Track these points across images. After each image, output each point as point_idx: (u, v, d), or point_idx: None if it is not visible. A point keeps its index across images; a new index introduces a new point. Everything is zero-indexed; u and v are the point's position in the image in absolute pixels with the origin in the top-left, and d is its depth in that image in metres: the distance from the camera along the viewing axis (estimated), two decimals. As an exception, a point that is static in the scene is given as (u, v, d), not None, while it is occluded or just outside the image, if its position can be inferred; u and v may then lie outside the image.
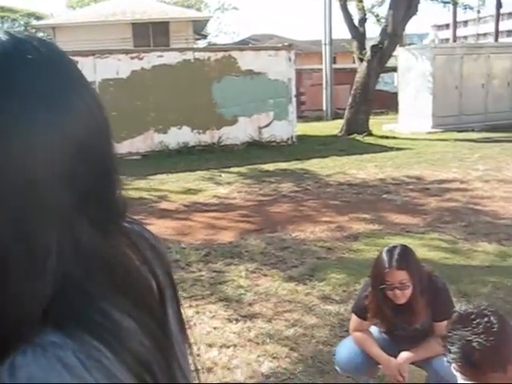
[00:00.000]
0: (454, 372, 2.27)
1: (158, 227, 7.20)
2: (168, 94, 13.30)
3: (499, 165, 10.95)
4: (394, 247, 3.07)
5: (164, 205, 8.57)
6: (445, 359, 2.22)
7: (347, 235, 6.69)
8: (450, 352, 2.17)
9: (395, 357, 3.16)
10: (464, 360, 2.14)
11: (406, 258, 3.02)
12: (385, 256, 3.01)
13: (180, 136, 13.53)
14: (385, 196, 8.67)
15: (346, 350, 3.32)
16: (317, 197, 8.74)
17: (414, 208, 7.95)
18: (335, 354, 3.40)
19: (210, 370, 3.78)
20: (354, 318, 3.32)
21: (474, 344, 2.10)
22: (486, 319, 2.14)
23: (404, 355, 3.15)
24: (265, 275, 5.42)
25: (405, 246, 3.18)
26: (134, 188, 9.77)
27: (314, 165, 11.62)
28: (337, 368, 3.42)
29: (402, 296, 2.98)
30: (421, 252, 5.95)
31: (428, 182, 9.62)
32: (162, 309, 0.78)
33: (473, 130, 16.22)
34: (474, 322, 2.14)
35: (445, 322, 2.98)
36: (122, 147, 13.05)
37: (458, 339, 2.15)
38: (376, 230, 6.87)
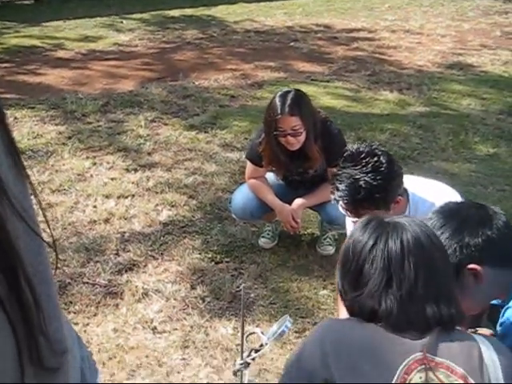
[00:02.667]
0: (341, 209, 2.28)
1: (54, 77, 6.76)
2: None
3: (407, 15, 10.88)
4: (287, 92, 2.95)
5: (60, 53, 7.98)
6: (332, 197, 2.22)
7: (251, 83, 6.54)
8: (338, 190, 2.16)
9: (290, 203, 3.18)
10: (350, 198, 2.14)
11: (298, 103, 2.92)
12: (277, 101, 2.89)
13: (77, -22, 12.41)
14: (292, 44, 8.46)
15: (240, 197, 3.30)
16: (222, 44, 8.42)
17: (321, 56, 7.83)
18: (230, 202, 3.38)
19: (107, 220, 3.70)
20: (249, 164, 3.26)
21: (361, 182, 2.09)
22: (375, 158, 2.11)
23: (298, 202, 3.17)
24: (165, 124, 5.25)
25: (298, 90, 3.06)
26: (27, 35, 9.04)
27: (222, 11, 11.10)
28: (233, 216, 3.42)
29: (295, 142, 2.93)
30: (324, 100, 5.96)
31: (336, 31, 9.45)
32: None
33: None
34: (364, 161, 2.11)
35: (338, 167, 3.01)
36: (12, -11, 11.91)
37: (347, 177, 2.13)
38: (281, 78, 6.75)
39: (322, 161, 3.06)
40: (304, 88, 6.03)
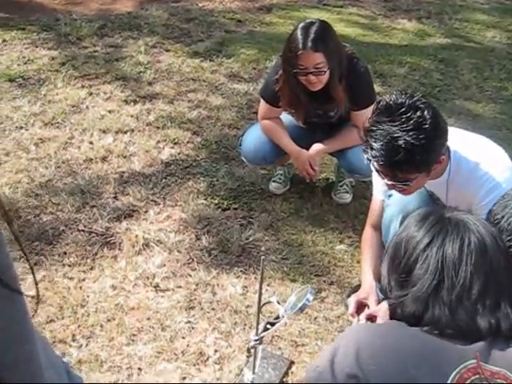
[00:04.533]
0: (373, 169, 2.00)
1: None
2: None
3: None
4: (311, 24, 2.57)
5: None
6: (365, 156, 1.92)
7: (259, 6, 6.07)
8: (372, 149, 1.86)
9: (307, 148, 2.88)
10: (386, 159, 1.84)
11: (323, 37, 2.55)
12: (299, 34, 2.53)
13: None
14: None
15: (252, 139, 3.00)
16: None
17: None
18: (241, 144, 3.07)
19: (104, 158, 3.40)
20: (262, 103, 2.93)
21: (401, 142, 1.79)
22: (418, 113, 1.79)
23: (316, 147, 2.86)
24: (167, 50, 4.85)
25: (323, 22, 2.68)
26: None
27: None
28: (243, 159, 3.13)
29: (318, 82, 2.59)
30: (338, 28, 5.48)
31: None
32: None
33: None
34: (404, 116, 1.79)
35: (363, 111, 2.69)
36: None
37: (383, 135, 1.82)
38: (291, 2, 6.28)
39: (345, 103, 2.73)
40: (316, 14, 5.63)
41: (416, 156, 1.78)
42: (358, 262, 2.68)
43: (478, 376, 1.18)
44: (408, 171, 1.83)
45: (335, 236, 2.92)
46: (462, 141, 2.04)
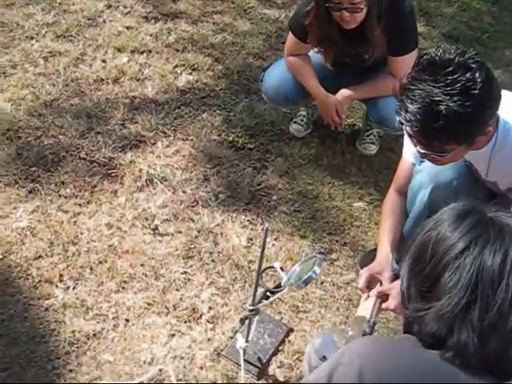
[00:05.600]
0: (405, 134, 1.74)
1: None
2: None
3: None
4: None
5: None
6: (397, 118, 1.65)
7: None
8: (407, 111, 1.59)
9: (334, 92, 2.60)
10: (423, 125, 1.57)
11: None
12: None
13: None
14: None
15: (275, 74, 2.72)
16: None
17: None
18: (262, 80, 2.79)
19: (115, 80, 3.16)
20: (290, 37, 2.63)
21: (442, 107, 1.51)
22: (468, 75, 1.50)
23: (345, 92, 2.58)
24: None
25: None
26: None
27: None
28: (264, 96, 2.86)
29: (352, 20, 2.28)
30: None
31: None
32: None
33: None
34: (450, 78, 1.51)
35: (403, 58, 2.41)
36: None
37: (422, 96, 1.54)
38: None
39: (382, 46, 2.42)
40: None
41: (458, 126, 1.52)
42: (376, 223, 2.46)
43: None
44: (446, 142, 1.57)
45: (355, 191, 2.69)
46: (512, 107, 1.76)
